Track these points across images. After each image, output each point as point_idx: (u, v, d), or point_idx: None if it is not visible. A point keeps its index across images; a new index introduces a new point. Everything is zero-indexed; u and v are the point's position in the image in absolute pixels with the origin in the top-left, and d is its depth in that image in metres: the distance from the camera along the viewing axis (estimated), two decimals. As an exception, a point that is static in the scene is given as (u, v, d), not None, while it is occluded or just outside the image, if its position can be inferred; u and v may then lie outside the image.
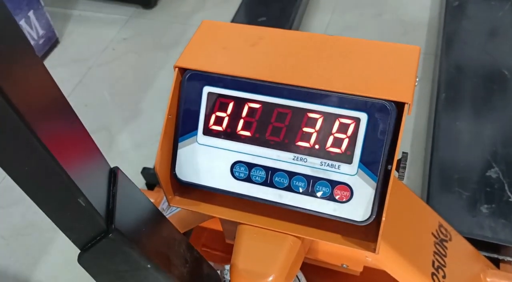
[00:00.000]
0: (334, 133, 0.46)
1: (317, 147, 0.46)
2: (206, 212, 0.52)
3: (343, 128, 0.45)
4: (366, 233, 0.48)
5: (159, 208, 0.83)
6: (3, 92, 0.29)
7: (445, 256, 0.67)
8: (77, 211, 0.35)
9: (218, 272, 0.56)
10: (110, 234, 0.38)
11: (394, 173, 0.45)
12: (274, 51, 0.50)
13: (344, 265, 0.66)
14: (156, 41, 1.57)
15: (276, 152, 0.48)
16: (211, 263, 0.55)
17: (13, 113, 0.29)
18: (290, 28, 1.42)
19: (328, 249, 0.63)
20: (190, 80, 0.49)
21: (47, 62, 1.51)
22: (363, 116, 0.45)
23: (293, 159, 0.47)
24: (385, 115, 0.44)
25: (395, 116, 0.44)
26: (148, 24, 1.64)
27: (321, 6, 1.63)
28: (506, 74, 1.19)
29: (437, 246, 0.67)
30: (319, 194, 0.47)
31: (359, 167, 0.46)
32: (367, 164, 0.45)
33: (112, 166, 0.43)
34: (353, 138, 0.45)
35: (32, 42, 1.45)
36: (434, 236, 0.69)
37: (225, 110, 0.49)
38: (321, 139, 0.46)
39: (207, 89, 0.49)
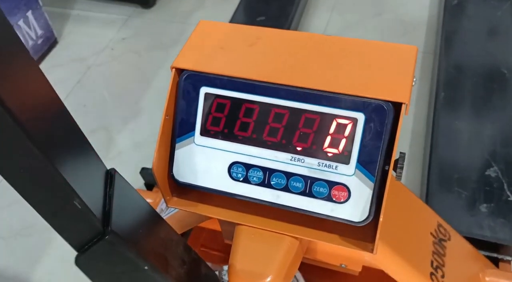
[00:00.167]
0: (332, 133, 0.46)
1: (314, 147, 0.46)
2: (204, 213, 0.52)
3: (340, 128, 0.45)
4: (364, 233, 0.48)
5: (158, 209, 0.83)
6: (-3, 95, 0.28)
7: (443, 255, 0.67)
8: (73, 213, 0.35)
9: (216, 272, 0.56)
10: (107, 236, 0.37)
11: (391, 173, 0.45)
12: (271, 52, 0.50)
13: (342, 265, 0.65)
14: (155, 40, 1.57)
15: (274, 153, 0.48)
16: (209, 264, 0.55)
17: (7, 115, 0.29)
18: (289, 27, 1.42)
19: (326, 249, 0.63)
20: (187, 81, 0.49)
21: (46, 62, 1.51)
22: (360, 117, 0.45)
23: (291, 160, 0.47)
24: (382, 116, 0.44)
25: (392, 117, 0.44)
26: (147, 24, 1.64)
27: (321, 5, 1.63)
28: (505, 74, 1.19)
29: (436, 245, 0.67)
30: (316, 194, 0.47)
31: (356, 167, 0.46)
32: (364, 164, 0.45)
33: (111, 165, 0.43)
34: (350, 138, 0.45)
35: (30, 42, 1.45)
36: (433, 236, 0.69)
37: (222, 111, 0.49)
38: (319, 140, 0.46)
39: (204, 90, 0.49)
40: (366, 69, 0.47)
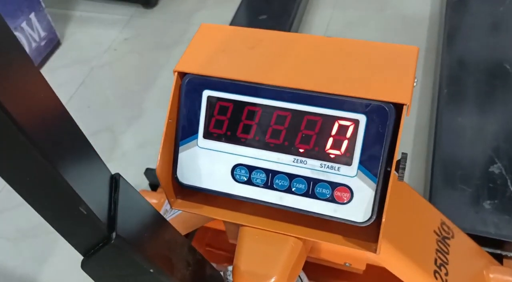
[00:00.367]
0: (334, 135, 0.46)
1: (316, 149, 0.47)
2: (208, 215, 0.52)
3: (342, 130, 0.46)
4: (367, 233, 0.48)
5: (162, 209, 0.83)
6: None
7: (447, 253, 0.67)
8: (79, 218, 0.36)
9: (221, 273, 0.57)
10: (113, 241, 0.38)
11: (394, 174, 0.45)
12: (273, 54, 0.50)
13: (346, 264, 0.66)
14: (158, 40, 1.58)
15: (276, 154, 0.48)
16: (214, 264, 0.56)
17: (10, 122, 0.29)
18: (291, 25, 1.42)
19: (330, 249, 0.64)
20: (189, 84, 0.49)
21: (49, 64, 1.52)
22: (362, 118, 0.45)
23: (293, 161, 0.48)
24: (384, 117, 0.44)
25: (394, 118, 0.44)
26: (149, 24, 1.64)
27: (322, 2, 1.63)
28: (508, 69, 1.18)
29: (440, 243, 0.68)
30: (319, 195, 0.47)
31: (358, 168, 0.46)
32: (366, 165, 0.46)
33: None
34: (352, 140, 0.45)
35: (33, 44, 1.45)
36: (436, 234, 0.69)
37: (225, 114, 0.49)
38: (321, 142, 0.46)
39: (206, 93, 0.49)
40: (367, 70, 0.47)
